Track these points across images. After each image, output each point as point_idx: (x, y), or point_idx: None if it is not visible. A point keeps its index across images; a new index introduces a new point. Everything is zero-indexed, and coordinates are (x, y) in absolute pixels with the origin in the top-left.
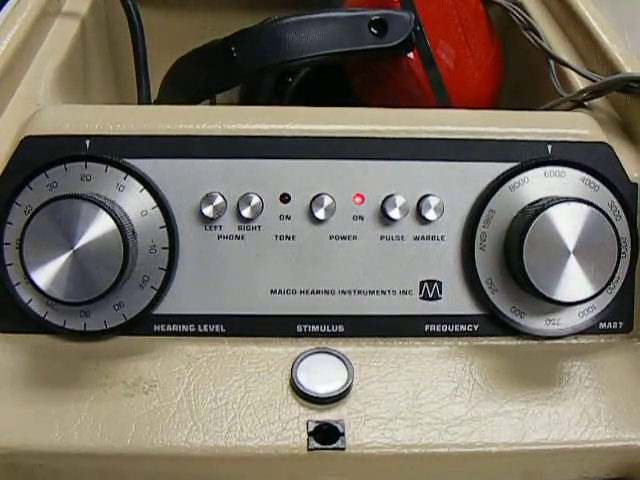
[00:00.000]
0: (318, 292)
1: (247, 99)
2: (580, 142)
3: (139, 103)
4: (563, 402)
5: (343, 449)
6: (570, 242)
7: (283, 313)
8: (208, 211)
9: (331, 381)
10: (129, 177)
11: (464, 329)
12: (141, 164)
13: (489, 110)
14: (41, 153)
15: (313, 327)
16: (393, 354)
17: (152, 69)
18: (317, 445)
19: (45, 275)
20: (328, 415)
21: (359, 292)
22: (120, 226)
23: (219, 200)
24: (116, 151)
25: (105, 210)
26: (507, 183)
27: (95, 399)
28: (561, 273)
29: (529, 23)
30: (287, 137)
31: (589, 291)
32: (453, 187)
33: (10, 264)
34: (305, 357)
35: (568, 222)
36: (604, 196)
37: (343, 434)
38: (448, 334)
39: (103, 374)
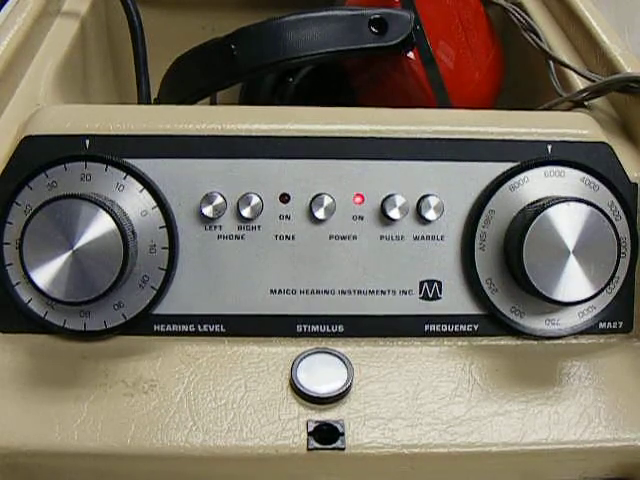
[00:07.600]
0: (318, 292)
1: (247, 99)
2: (580, 142)
3: (139, 103)
4: (563, 402)
5: (343, 449)
6: (570, 242)
7: (283, 313)
8: (208, 211)
9: (331, 381)
10: (129, 177)
11: (464, 329)
12: (141, 164)
13: (489, 110)
14: (41, 153)
15: (313, 327)
16: (393, 354)
17: (152, 69)
18: (317, 445)
19: (45, 275)
20: (328, 415)
21: (359, 292)
22: (120, 226)
23: (219, 200)
24: (116, 151)
25: (105, 210)
26: (507, 183)
27: (95, 399)
28: (561, 273)
29: (529, 24)
30: (287, 137)
31: (589, 291)
32: (453, 187)
33: (10, 264)
34: (305, 357)
35: (568, 222)
36: (604, 196)
37: (343, 434)
38: (448, 334)
39: (103, 374)
